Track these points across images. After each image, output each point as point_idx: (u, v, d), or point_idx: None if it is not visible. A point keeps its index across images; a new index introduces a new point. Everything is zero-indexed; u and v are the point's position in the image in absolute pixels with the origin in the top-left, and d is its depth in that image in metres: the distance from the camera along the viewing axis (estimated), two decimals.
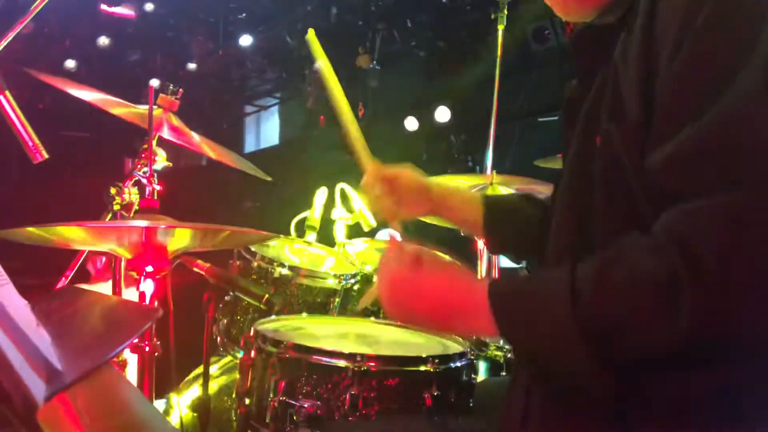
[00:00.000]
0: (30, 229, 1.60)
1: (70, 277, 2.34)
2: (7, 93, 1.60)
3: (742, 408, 0.99)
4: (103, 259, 3.59)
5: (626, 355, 0.93)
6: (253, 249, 2.45)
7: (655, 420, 1.00)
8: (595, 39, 1.18)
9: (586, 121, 1.13)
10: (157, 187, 2.01)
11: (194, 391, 2.50)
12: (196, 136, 2.44)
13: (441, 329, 1.15)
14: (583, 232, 1.05)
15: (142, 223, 1.71)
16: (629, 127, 1.00)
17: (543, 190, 2.70)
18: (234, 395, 1.98)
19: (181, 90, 2.43)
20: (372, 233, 2.86)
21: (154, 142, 2.15)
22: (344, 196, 2.78)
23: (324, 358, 1.68)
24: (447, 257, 1.21)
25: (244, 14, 6.30)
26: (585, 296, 0.93)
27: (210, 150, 2.47)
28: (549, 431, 1.11)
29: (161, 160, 2.25)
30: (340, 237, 2.79)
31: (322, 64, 1.50)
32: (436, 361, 1.71)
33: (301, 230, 2.76)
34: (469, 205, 1.58)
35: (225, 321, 2.46)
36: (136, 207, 2.12)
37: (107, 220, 2.13)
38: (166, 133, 2.32)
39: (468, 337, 1.15)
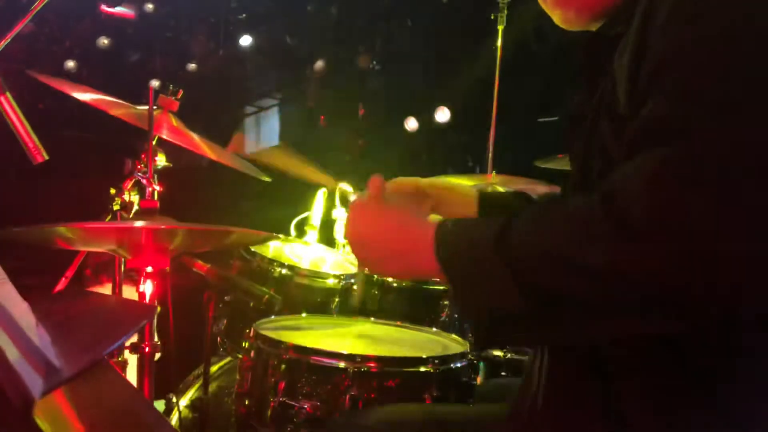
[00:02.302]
0: (28, 230, 1.60)
1: (70, 278, 2.34)
2: (8, 94, 1.61)
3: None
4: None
5: (543, 289, 0.94)
6: (253, 249, 2.45)
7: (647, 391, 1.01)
8: (604, 49, 1.18)
9: (590, 134, 1.14)
10: (157, 188, 2.01)
11: (194, 391, 2.50)
12: (195, 136, 2.44)
13: (391, 266, 1.17)
14: None
15: (141, 223, 1.71)
16: (619, 122, 1.01)
17: (543, 190, 2.71)
18: (234, 396, 1.98)
19: (181, 90, 2.43)
20: None
21: (154, 143, 2.15)
22: (344, 196, 2.78)
23: (324, 359, 1.68)
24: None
25: (244, 14, 6.30)
26: (513, 230, 0.97)
27: (209, 150, 2.47)
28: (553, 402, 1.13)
29: (161, 161, 2.25)
30: (340, 237, 2.79)
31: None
32: (436, 361, 1.71)
33: (301, 230, 2.76)
34: (464, 200, 1.59)
35: (225, 321, 2.45)
36: (136, 207, 2.13)
37: (107, 220, 2.14)
38: (165, 134, 2.32)
39: (418, 277, 1.19)
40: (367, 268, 1.25)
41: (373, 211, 1.21)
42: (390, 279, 2.50)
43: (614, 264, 0.87)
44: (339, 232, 2.79)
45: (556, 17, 1.24)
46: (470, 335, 2.12)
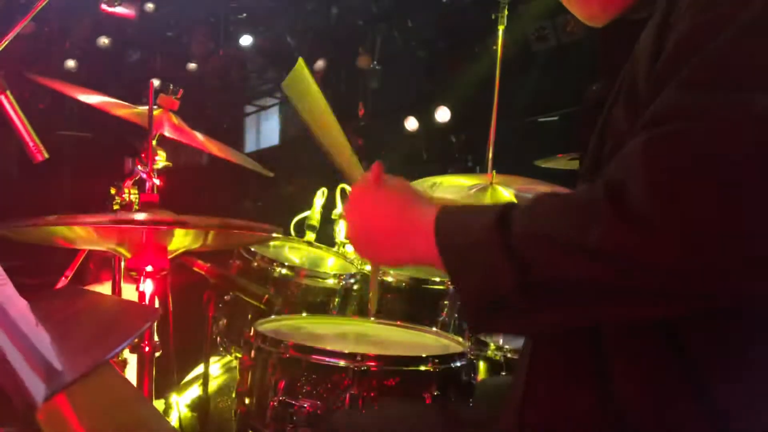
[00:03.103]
0: (28, 229, 1.59)
1: (70, 277, 2.34)
2: (8, 93, 1.61)
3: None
4: None
5: (544, 275, 0.92)
6: (253, 249, 2.45)
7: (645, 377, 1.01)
8: (622, 37, 1.17)
9: (605, 118, 1.13)
10: (157, 182, 2.01)
11: (194, 391, 2.50)
12: (199, 136, 2.45)
13: (389, 250, 1.14)
14: None
15: (142, 216, 1.71)
16: (635, 107, 0.99)
17: (543, 190, 2.71)
18: (234, 395, 1.98)
19: (181, 90, 2.44)
20: None
21: (154, 142, 2.15)
22: (344, 196, 2.78)
23: (324, 358, 1.68)
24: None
25: (244, 14, 6.30)
26: (513, 217, 0.96)
27: (212, 146, 2.48)
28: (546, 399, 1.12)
29: (161, 160, 2.25)
30: (340, 237, 2.79)
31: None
32: (436, 361, 1.71)
33: (301, 230, 2.76)
34: None
35: (225, 321, 2.46)
36: (135, 207, 2.13)
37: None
38: (166, 133, 2.32)
39: (416, 263, 1.16)
40: (364, 256, 1.21)
41: (373, 193, 1.19)
42: (390, 279, 2.50)
43: (613, 244, 0.86)
44: (339, 231, 2.79)
45: (580, 14, 1.22)
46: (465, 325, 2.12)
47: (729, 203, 0.82)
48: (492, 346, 2.33)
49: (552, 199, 0.97)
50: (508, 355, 2.25)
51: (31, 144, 1.61)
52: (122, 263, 2.13)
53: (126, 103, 2.36)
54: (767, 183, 0.82)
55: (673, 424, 0.99)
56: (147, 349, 1.82)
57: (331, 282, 2.46)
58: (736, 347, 0.99)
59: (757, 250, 0.84)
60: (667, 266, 0.85)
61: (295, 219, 2.80)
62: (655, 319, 0.98)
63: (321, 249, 2.72)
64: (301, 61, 1.45)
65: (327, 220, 2.79)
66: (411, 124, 5.97)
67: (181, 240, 1.79)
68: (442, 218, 1.06)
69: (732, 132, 0.84)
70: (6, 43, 1.64)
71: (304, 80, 1.46)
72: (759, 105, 0.85)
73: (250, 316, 2.36)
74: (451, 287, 2.57)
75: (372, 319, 2.23)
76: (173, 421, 2.35)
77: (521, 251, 0.93)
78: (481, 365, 2.34)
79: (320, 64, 6.24)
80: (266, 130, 8.16)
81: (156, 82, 5.97)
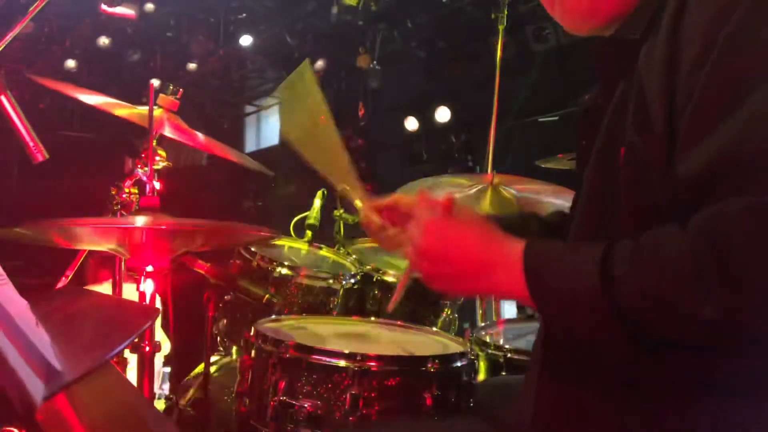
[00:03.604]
0: (28, 229, 1.60)
1: (69, 277, 2.34)
2: (8, 93, 1.61)
3: (757, 391, 1.01)
4: None
5: (650, 336, 0.95)
6: (252, 249, 2.45)
7: (668, 394, 1.02)
8: (617, 51, 1.17)
9: (608, 135, 1.13)
10: (157, 185, 2.01)
11: (194, 391, 2.50)
12: (200, 136, 2.45)
13: (469, 282, 1.12)
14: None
15: (142, 220, 1.71)
16: (655, 138, 1.00)
17: (543, 190, 2.71)
18: (234, 395, 1.98)
19: (181, 90, 2.43)
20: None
21: (154, 142, 2.15)
22: (344, 196, 2.77)
23: (324, 358, 1.68)
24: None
25: (244, 14, 6.30)
26: (615, 269, 0.96)
27: (211, 145, 2.48)
28: (561, 412, 1.13)
29: (161, 160, 2.25)
30: (340, 236, 2.79)
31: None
32: (437, 361, 1.71)
33: (301, 230, 2.76)
34: None
35: (225, 320, 2.46)
36: (136, 207, 2.13)
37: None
38: (166, 133, 2.32)
39: (494, 296, 1.16)
40: (439, 288, 1.17)
41: (453, 224, 1.16)
42: (390, 279, 2.50)
43: (726, 318, 0.89)
44: (339, 231, 2.79)
45: (563, 23, 1.23)
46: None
47: None
48: (492, 345, 2.33)
49: (652, 253, 0.96)
50: (509, 355, 2.24)
51: (31, 144, 1.61)
52: (123, 263, 2.13)
53: (126, 103, 2.36)
54: None
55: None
56: (147, 349, 1.82)
57: (331, 282, 2.46)
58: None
59: None
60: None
61: (295, 219, 2.80)
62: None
63: (321, 249, 2.72)
64: (306, 61, 1.44)
65: (327, 220, 2.79)
66: (411, 124, 5.97)
67: (180, 241, 1.79)
68: (532, 257, 1.05)
69: None
70: (6, 43, 1.64)
71: (307, 81, 1.45)
72: None
73: (250, 316, 2.36)
74: None
75: (372, 319, 2.23)
76: (174, 421, 2.35)
77: (633, 313, 0.95)
78: (482, 365, 2.33)
79: (320, 64, 6.24)
80: (266, 130, 8.16)
81: (156, 83, 5.98)
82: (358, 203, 2.72)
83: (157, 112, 2.34)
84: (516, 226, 1.57)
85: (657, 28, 1.04)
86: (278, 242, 2.66)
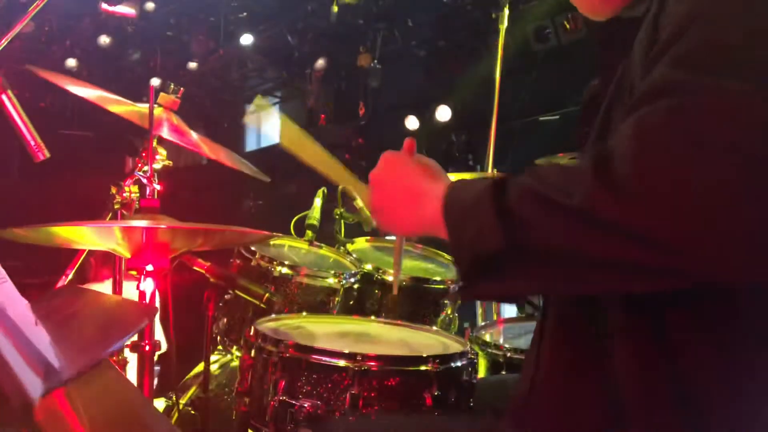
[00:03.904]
0: (29, 229, 1.60)
1: (69, 277, 2.34)
2: (9, 92, 1.61)
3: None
4: None
5: (529, 230, 0.95)
6: (253, 248, 2.45)
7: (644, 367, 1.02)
8: (618, 34, 1.19)
9: (603, 117, 1.14)
10: (158, 187, 2.01)
11: (194, 390, 2.50)
12: (194, 135, 2.44)
13: (402, 211, 1.22)
14: None
15: (142, 222, 1.71)
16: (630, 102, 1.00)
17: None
18: (234, 394, 1.98)
19: (182, 89, 2.43)
20: (372, 233, 2.86)
21: (154, 141, 2.15)
22: (344, 196, 2.78)
23: (324, 358, 1.68)
24: None
25: (244, 13, 6.30)
26: (509, 183, 1.00)
27: (208, 149, 2.47)
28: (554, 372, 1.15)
29: (162, 159, 2.25)
30: (340, 236, 2.79)
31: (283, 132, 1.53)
32: (437, 360, 1.71)
33: (301, 229, 2.76)
34: None
35: (225, 320, 2.46)
36: (136, 206, 2.13)
37: (108, 219, 2.14)
38: (166, 133, 2.32)
39: (422, 229, 1.21)
40: (380, 219, 1.27)
41: (402, 161, 1.27)
42: (390, 278, 2.50)
43: (591, 206, 0.88)
44: (339, 230, 2.79)
45: (582, 7, 1.24)
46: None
47: (711, 177, 0.84)
48: (492, 345, 2.33)
49: (548, 167, 1.01)
50: (508, 354, 2.24)
51: (32, 143, 1.61)
52: (123, 263, 2.13)
53: (126, 100, 2.35)
54: (746, 162, 0.84)
55: (659, 413, 1.01)
56: (147, 348, 1.82)
57: (331, 281, 2.46)
58: (718, 335, 1.00)
59: (737, 230, 0.84)
60: (642, 233, 0.86)
61: (295, 218, 2.80)
62: (636, 297, 1.00)
63: (321, 248, 2.72)
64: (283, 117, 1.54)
65: (327, 220, 2.79)
66: (411, 123, 5.97)
67: (180, 241, 1.79)
68: (453, 185, 1.13)
69: (720, 110, 0.86)
70: (6, 42, 1.64)
71: (293, 131, 1.53)
72: (733, 88, 0.87)
73: (250, 316, 2.36)
74: (451, 286, 2.57)
75: (372, 318, 2.23)
76: (173, 420, 2.35)
77: (511, 210, 0.97)
78: (481, 365, 2.34)
79: (320, 63, 6.24)
80: (266, 129, 8.15)
81: (156, 82, 5.99)
82: (359, 202, 2.73)
83: (158, 111, 2.34)
84: None
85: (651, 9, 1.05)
86: (278, 241, 2.66)
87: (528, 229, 0.95)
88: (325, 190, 2.78)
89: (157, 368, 3.23)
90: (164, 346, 2.79)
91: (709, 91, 0.87)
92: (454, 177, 1.23)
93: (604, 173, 0.88)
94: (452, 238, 1.08)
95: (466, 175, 2.97)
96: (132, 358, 1.98)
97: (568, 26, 4.65)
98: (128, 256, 1.75)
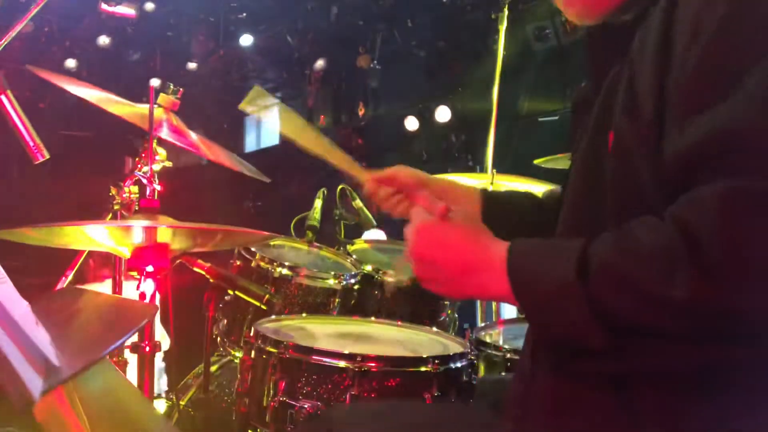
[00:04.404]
0: (29, 230, 1.60)
1: (70, 277, 2.34)
2: (9, 93, 1.60)
3: (744, 386, 1.01)
4: None
5: (626, 326, 0.95)
6: (253, 249, 2.45)
7: (655, 390, 1.02)
8: (609, 38, 1.18)
9: (598, 120, 1.14)
10: (158, 187, 2.01)
11: (194, 391, 2.50)
12: (194, 136, 2.44)
13: (457, 285, 1.15)
14: (594, 232, 1.05)
15: (142, 222, 1.71)
16: (644, 125, 1.00)
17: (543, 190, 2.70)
18: (234, 395, 1.98)
19: (181, 89, 2.43)
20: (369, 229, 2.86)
21: (154, 142, 2.15)
22: (344, 196, 2.78)
23: (324, 359, 1.68)
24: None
25: (244, 14, 6.30)
26: (591, 264, 0.97)
27: (208, 151, 2.47)
28: (550, 406, 1.14)
29: (161, 160, 2.25)
30: (340, 236, 2.79)
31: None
32: (437, 361, 1.71)
33: (301, 230, 2.76)
34: (467, 197, 1.58)
35: (225, 321, 2.45)
36: (136, 206, 2.13)
37: (108, 219, 2.14)
38: (165, 133, 2.32)
39: (483, 298, 1.20)
40: (433, 290, 1.19)
41: (442, 228, 1.18)
42: (390, 279, 2.50)
43: (697, 300, 0.89)
44: (339, 231, 2.79)
45: (568, 12, 1.24)
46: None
47: None
48: (492, 346, 2.33)
49: (629, 242, 0.97)
50: (508, 355, 2.24)
51: (31, 144, 1.60)
52: (123, 263, 2.13)
53: (126, 101, 2.35)
54: None
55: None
56: (147, 349, 1.82)
57: (331, 282, 2.46)
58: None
59: None
60: (749, 316, 0.91)
61: (295, 219, 2.80)
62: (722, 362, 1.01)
63: (321, 249, 2.72)
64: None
65: (327, 220, 2.79)
66: (411, 123, 5.97)
67: (180, 241, 1.79)
68: (516, 257, 1.07)
69: None
70: (6, 42, 1.63)
71: (292, 119, 1.52)
72: None
73: (250, 316, 2.36)
74: None
75: (372, 319, 2.23)
76: (173, 421, 2.35)
77: (603, 303, 0.95)
78: (481, 365, 2.33)
79: (320, 63, 6.24)
80: (267, 129, 8.16)
81: (156, 82, 5.98)
82: (358, 202, 2.72)
83: (158, 112, 2.34)
84: (504, 202, 1.59)
85: (652, 15, 1.04)
86: (278, 242, 2.66)
87: (629, 324, 0.95)
88: (325, 191, 2.78)
89: (162, 365, 3.24)
90: (165, 345, 2.79)
91: None
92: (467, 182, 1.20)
93: (700, 257, 0.89)
94: (539, 328, 1.08)
95: (465, 177, 2.96)
96: (132, 359, 1.98)
97: (568, 27, 4.65)
98: (128, 256, 1.75)
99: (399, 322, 2.13)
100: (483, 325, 2.54)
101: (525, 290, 1.05)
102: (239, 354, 2.33)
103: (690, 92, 0.95)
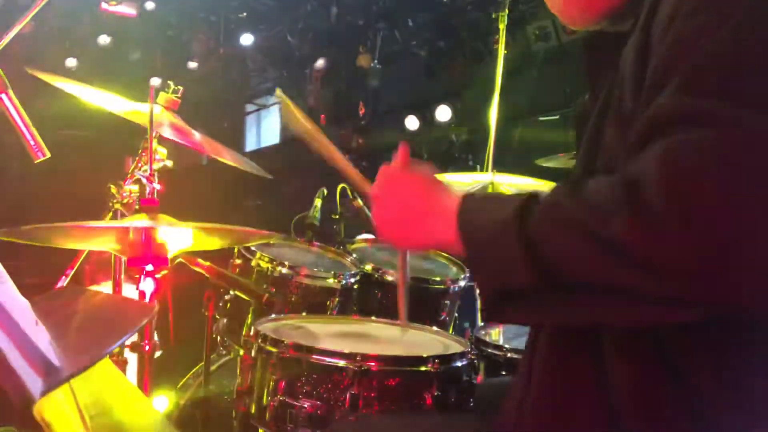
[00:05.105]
0: (29, 230, 1.60)
1: (69, 277, 2.34)
2: (10, 92, 1.60)
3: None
4: None
5: (560, 265, 0.93)
6: (253, 248, 2.45)
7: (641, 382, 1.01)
8: (606, 47, 1.18)
9: (593, 130, 1.14)
10: (157, 187, 2.01)
11: (194, 391, 2.50)
12: (197, 134, 2.44)
13: (409, 229, 1.19)
14: None
15: (143, 223, 1.71)
16: (624, 121, 1.00)
17: (543, 190, 2.70)
18: (234, 395, 1.98)
19: (182, 89, 2.43)
20: (372, 232, 2.86)
21: (154, 141, 2.15)
22: (344, 196, 2.78)
23: (324, 358, 1.68)
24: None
25: (245, 13, 6.31)
26: (533, 208, 0.97)
27: (209, 148, 2.47)
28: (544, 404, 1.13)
29: (162, 159, 2.25)
30: (340, 236, 2.79)
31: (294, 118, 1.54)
32: (437, 361, 1.70)
33: (301, 229, 2.76)
34: None
35: (225, 320, 2.45)
36: (136, 206, 2.13)
37: (108, 219, 2.13)
38: (166, 132, 2.32)
39: (432, 245, 1.20)
40: (387, 237, 1.24)
41: (401, 174, 1.23)
42: (390, 278, 2.50)
43: (628, 238, 0.87)
44: (339, 230, 2.79)
45: (562, 17, 1.25)
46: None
47: (741, 210, 0.83)
48: (492, 345, 2.33)
49: (573, 190, 0.97)
50: (509, 355, 2.24)
51: (32, 142, 1.61)
52: (123, 263, 2.13)
53: (126, 100, 2.35)
54: None
55: (658, 421, 1.00)
56: (147, 348, 1.82)
57: (331, 281, 2.46)
58: (719, 356, 1.00)
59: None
60: (676, 269, 0.85)
61: (296, 218, 2.80)
62: (658, 325, 0.98)
63: (321, 248, 2.72)
64: (278, 91, 1.52)
65: (327, 220, 2.79)
66: (411, 123, 5.97)
67: (180, 241, 1.79)
68: (466, 204, 1.09)
69: (743, 141, 0.85)
70: (6, 41, 1.64)
71: (290, 111, 1.53)
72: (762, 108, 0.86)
73: (250, 316, 2.36)
74: (451, 287, 2.57)
75: (372, 318, 2.23)
76: (173, 420, 2.35)
77: (537, 241, 0.94)
78: (482, 365, 2.33)
79: (320, 63, 6.24)
80: (267, 129, 8.16)
81: (156, 81, 5.99)
82: (358, 202, 2.72)
83: (158, 111, 2.34)
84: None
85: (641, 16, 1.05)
86: (278, 241, 2.66)
87: (557, 259, 0.93)
88: (325, 191, 2.78)
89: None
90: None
91: (741, 124, 0.86)
92: (446, 177, 1.22)
93: (639, 205, 0.86)
94: (475, 266, 1.06)
95: (465, 177, 2.96)
96: (132, 358, 1.98)
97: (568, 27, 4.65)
98: (128, 256, 1.75)
99: (399, 322, 2.13)
100: (483, 324, 2.54)
101: (468, 235, 1.06)
102: (239, 353, 2.33)
103: (652, 77, 0.95)
